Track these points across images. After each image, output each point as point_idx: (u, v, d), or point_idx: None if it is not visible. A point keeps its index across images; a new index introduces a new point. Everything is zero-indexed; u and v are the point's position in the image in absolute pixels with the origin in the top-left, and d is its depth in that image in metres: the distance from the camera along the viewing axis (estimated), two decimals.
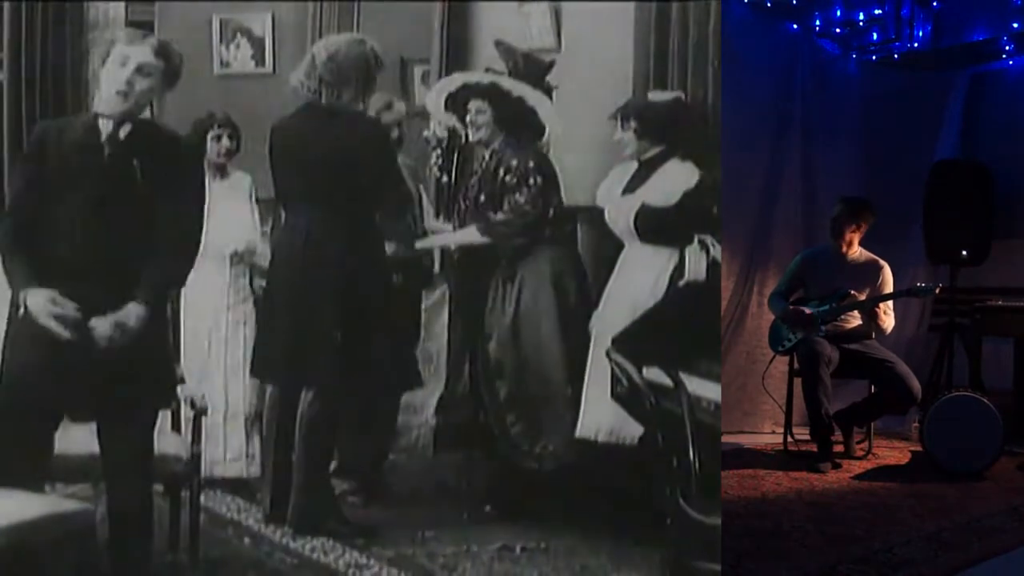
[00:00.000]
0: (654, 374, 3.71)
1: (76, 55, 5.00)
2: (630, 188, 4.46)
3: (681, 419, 3.56)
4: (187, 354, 4.30)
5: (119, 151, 3.35)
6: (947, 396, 5.84)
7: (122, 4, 5.23)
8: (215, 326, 4.80)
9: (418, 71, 5.53)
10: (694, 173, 4.36)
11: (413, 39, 5.37)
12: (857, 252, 6.31)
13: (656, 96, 4.61)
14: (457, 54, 5.22)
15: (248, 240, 4.84)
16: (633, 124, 4.44)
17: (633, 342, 3.83)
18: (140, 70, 3.35)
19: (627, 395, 3.73)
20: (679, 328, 4.04)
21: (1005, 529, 4.63)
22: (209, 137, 4.74)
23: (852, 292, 6.13)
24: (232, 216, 4.70)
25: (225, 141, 4.76)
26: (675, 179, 4.36)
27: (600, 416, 4.19)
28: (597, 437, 4.22)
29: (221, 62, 5.58)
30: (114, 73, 3.36)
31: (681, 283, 4.21)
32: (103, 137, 3.36)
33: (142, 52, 3.37)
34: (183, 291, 4.41)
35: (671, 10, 5.02)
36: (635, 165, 4.50)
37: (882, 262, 6.29)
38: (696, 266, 4.24)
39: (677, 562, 3.53)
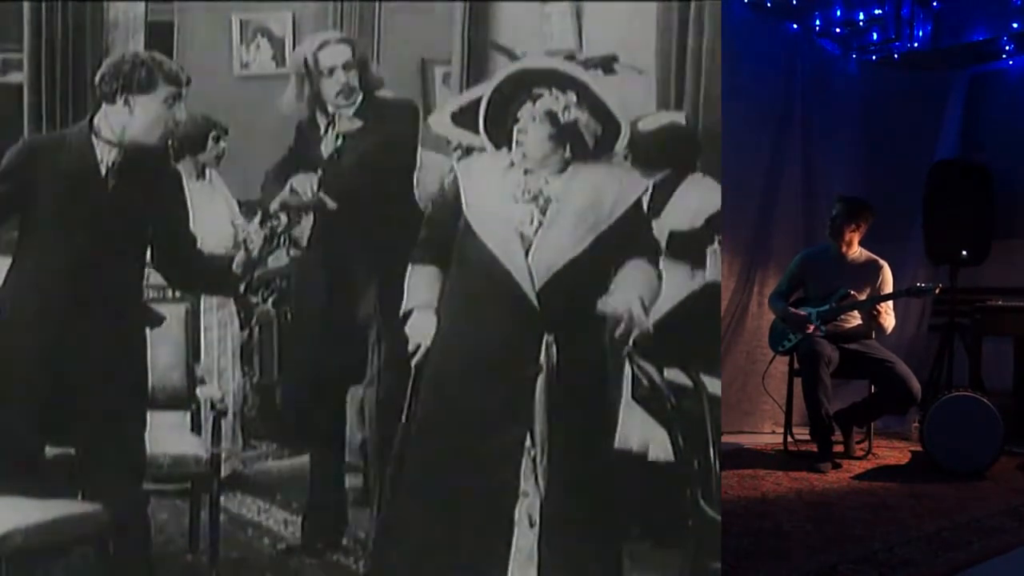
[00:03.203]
0: (674, 375, 3.73)
1: (96, 56, 4.95)
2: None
3: (700, 419, 3.59)
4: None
5: (123, 181, 3.32)
6: (947, 396, 5.88)
7: (142, 4, 5.19)
8: (207, 328, 4.75)
9: (439, 72, 5.51)
10: (715, 191, 4.35)
11: (434, 40, 5.35)
12: (857, 252, 6.34)
13: (648, 124, 4.46)
14: (478, 55, 5.19)
15: (228, 241, 4.83)
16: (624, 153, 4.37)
17: (654, 344, 3.82)
18: (170, 100, 3.31)
19: (648, 396, 3.73)
20: (694, 329, 4.06)
21: (1005, 529, 4.65)
22: (210, 136, 4.72)
23: (852, 292, 6.16)
24: (213, 217, 4.65)
25: (222, 144, 4.74)
26: (699, 199, 4.34)
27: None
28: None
29: (241, 63, 5.56)
30: (156, 111, 3.30)
31: (700, 285, 4.23)
32: (104, 166, 3.32)
33: (175, 91, 3.31)
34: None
35: (679, 11, 5.02)
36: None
37: (882, 262, 6.31)
38: (713, 269, 4.26)
39: (697, 563, 3.55)
